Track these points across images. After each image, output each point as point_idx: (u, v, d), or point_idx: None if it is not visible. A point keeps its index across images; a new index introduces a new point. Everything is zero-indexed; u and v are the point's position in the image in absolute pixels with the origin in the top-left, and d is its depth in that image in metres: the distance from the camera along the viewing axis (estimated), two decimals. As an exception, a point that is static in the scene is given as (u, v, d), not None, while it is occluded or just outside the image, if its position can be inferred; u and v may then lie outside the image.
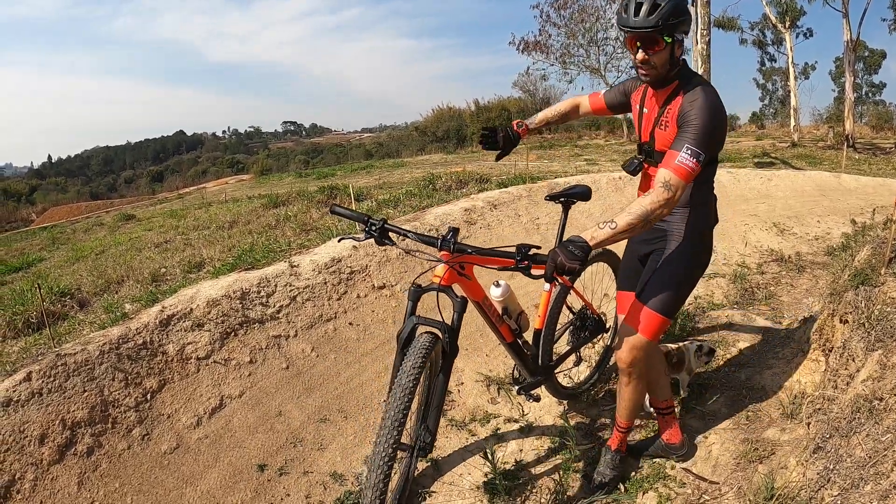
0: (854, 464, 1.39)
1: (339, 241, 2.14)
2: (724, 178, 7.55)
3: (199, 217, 8.61)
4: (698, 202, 2.04)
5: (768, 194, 7.19)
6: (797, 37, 19.40)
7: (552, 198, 2.62)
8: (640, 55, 1.87)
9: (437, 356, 1.95)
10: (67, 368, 2.47)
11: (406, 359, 1.80)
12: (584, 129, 28.63)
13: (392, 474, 1.75)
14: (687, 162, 1.76)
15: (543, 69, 24.59)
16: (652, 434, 2.48)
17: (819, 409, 1.94)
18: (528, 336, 2.48)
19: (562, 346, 2.77)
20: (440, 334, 1.90)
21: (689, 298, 3.81)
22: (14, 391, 2.30)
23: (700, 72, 10.76)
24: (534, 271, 1.79)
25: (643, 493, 2.15)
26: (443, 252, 1.93)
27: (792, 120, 17.38)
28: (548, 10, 23.01)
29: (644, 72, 1.91)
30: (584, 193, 2.60)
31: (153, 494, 2.22)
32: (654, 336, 2.06)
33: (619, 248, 2.40)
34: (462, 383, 3.09)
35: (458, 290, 2.02)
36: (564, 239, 1.78)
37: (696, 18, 10.83)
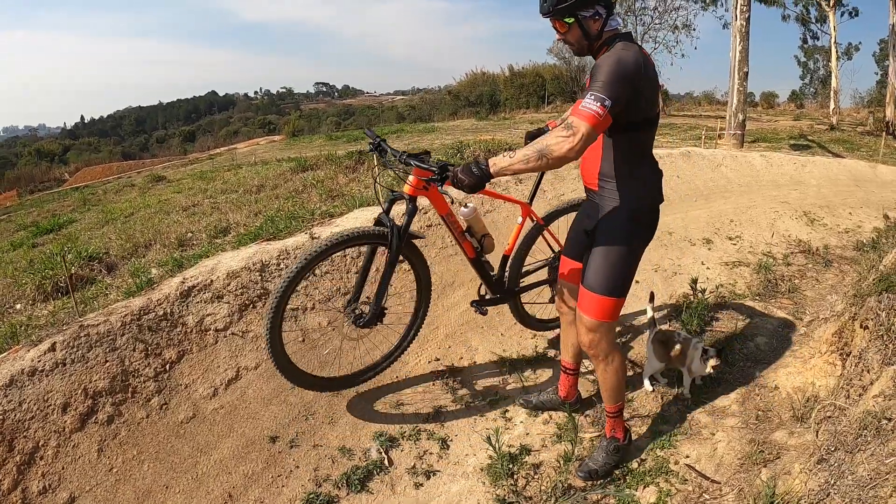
0: (855, 482, 1.37)
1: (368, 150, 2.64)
2: (757, 162, 7.32)
3: (228, 180, 8.72)
4: (627, 174, 2.03)
5: (801, 181, 6.95)
6: (841, 15, 18.51)
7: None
8: (556, 35, 2.03)
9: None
10: (90, 339, 2.56)
11: (351, 229, 2.41)
12: (620, 100, 27.88)
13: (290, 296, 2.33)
14: (590, 105, 1.75)
15: (579, 39, 23.82)
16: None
17: (829, 416, 1.91)
18: (496, 260, 2.87)
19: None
20: (388, 227, 2.39)
21: (710, 287, 3.78)
22: (39, 361, 2.40)
23: (738, 49, 10.32)
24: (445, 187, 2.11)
25: (644, 487, 2.16)
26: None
27: (832, 102, 16.69)
28: (585, -24, 22.18)
29: (569, 47, 2.04)
30: None
31: (168, 462, 2.32)
32: (606, 316, 2.09)
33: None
34: (475, 362, 3.12)
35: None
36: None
37: (737, -7, 10.33)
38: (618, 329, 3.38)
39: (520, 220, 2.91)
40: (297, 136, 23.98)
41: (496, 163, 1.85)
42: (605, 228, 2.09)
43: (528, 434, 2.58)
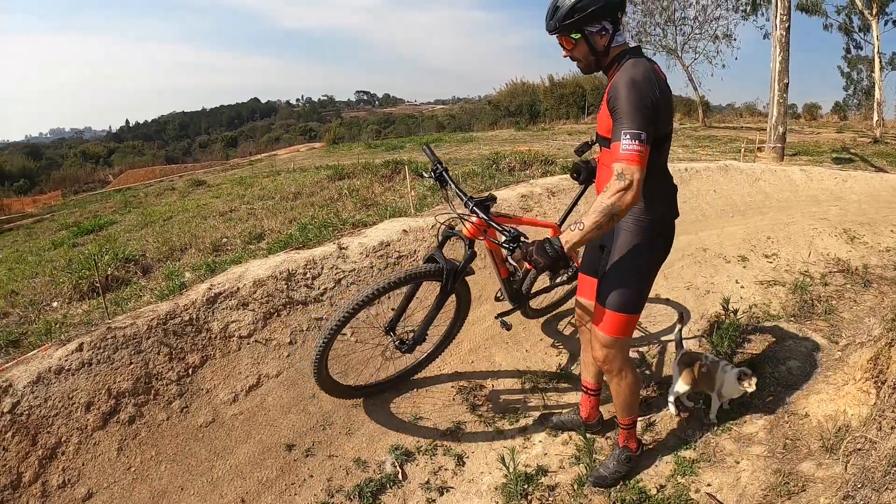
0: (882, 525, 1.28)
1: (420, 175, 2.70)
2: (797, 176, 7.07)
3: (266, 186, 8.90)
4: (647, 192, 1.95)
5: (841, 196, 6.68)
6: (885, 24, 17.75)
7: (574, 176, 2.78)
8: (563, 52, 2.01)
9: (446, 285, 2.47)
10: (117, 341, 2.63)
11: (404, 268, 2.46)
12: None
13: (341, 331, 2.35)
14: (630, 147, 1.75)
15: (619, 49, 23.62)
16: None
17: (859, 449, 1.81)
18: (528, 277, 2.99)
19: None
20: (444, 270, 2.41)
21: (744, 307, 3.65)
22: (66, 360, 2.48)
23: (778, 59, 10.03)
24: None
25: (663, 514, 2.08)
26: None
27: (875, 114, 16.00)
28: (624, -14, 22.03)
29: (576, 64, 2.04)
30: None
31: (185, 464, 2.36)
32: (620, 333, 2.10)
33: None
34: (497, 377, 3.08)
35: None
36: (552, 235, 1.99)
37: (776, 2, 10.04)
38: (646, 348, 3.30)
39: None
40: (337, 144, 24.39)
41: (569, 239, 1.82)
42: (620, 245, 2.07)
43: (546, 454, 2.53)
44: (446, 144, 16.21)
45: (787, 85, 10.20)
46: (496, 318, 2.82)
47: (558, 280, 3.23)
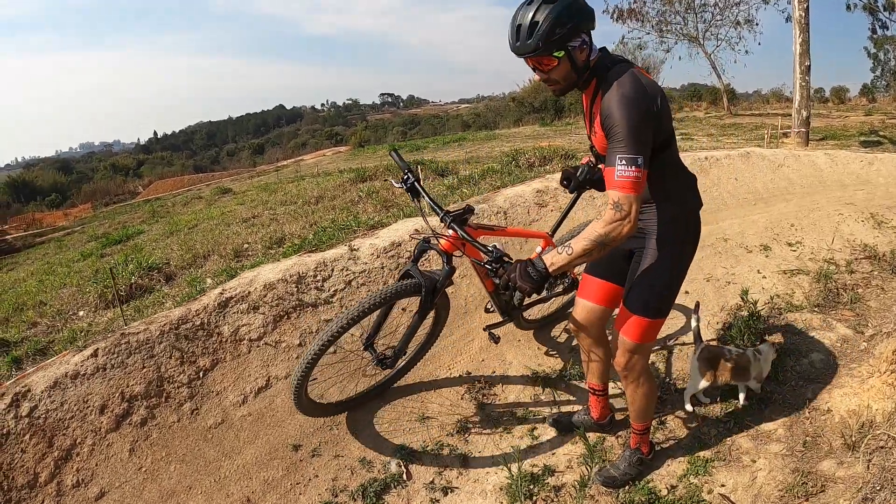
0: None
1: (388, 181, 2.57)
2: (821, 161, 6.82)
3: (289, 192, 9.02)
4: (663, 196, 1.94)
5: (868, 180, 6.41)
6: (910, 2, 16.99)
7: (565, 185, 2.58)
8: (537, 76, 1.83)
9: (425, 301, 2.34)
10: (130, 346, 2.68)
11: (380, 289, 2.41)
12: (686, 99, 27.03)
13: (320, 359, 2.25)
14: (625, 174, 1.67)
15: (639, 38, 23.34)
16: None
17: (882, 447, 1.71)
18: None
19: None
20: (422, 287, 2.27)
21: (765, 297, 3.53)
22: (82, 365, 2.54)
23: (798, 41, 9.73)
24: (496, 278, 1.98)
25: (673, 515, 2.02)
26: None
27: (903, 94, 15.37)
28: (642, -25, 21.75)
29: (550, 87, 1.86)
30: (601, 181, 2.57)
31: (194, 464, 2.39)
32: (647, 338, 2.05)
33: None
34: (507, 377, 3.04)
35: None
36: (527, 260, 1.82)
37: (794, -19, 9.75)
38: (657, 347, 3.22)
39: (539, 249, 2.85)
40: (362, 147, 24.62)
41: (554, 262, 1.75)
42: (653, 248, 1.99)
43: (553, 454, 2.49)
44: (469, 143, 16.22)
45: (808, 67, 9.89)
46: (485, 329, 2.68)
47: (554, 291, 3.08)
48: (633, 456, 2.27)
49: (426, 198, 2.33)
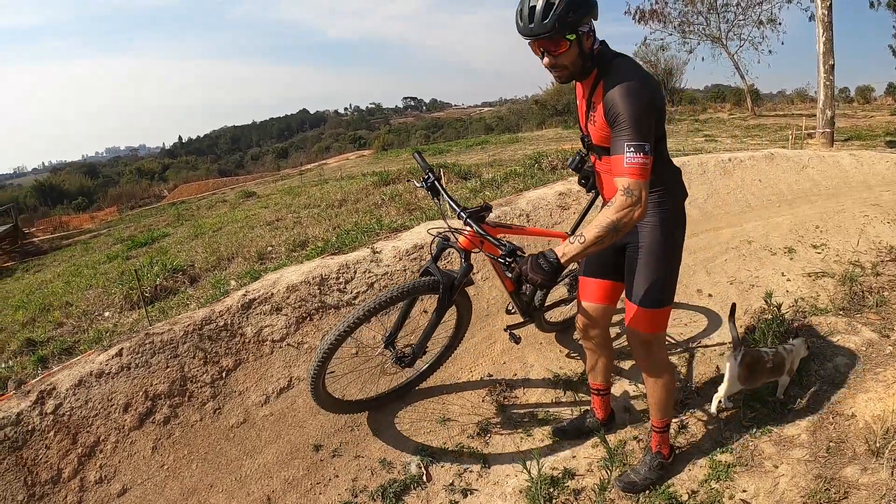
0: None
1: (410, 182, 2.60)
2: (846, 162, 6.69)
3: (313, 195, 9.08)
4: (655, 184, 1.94)
5: (894, 181, 6.26)
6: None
7: (583, 184, 2.59)
8: (546, 60, 1.82)
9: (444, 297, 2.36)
10: (154, 346, 2.74)
11: (398, 284, 2.35)
12: (710, 101, 26.73)
13: (337, 350, 2.29)
14: (634, 160, 1.71)
15: (662, 39, 23.16)
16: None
17: (906, 451, 1.68)
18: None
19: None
20: (440, 284, 2.31)
21: (789, 301, 3.48)
22: (107, 364, 2.60)
23: (822, 40, 9.56)
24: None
25: (694, 520, 2.00)
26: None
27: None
28: (664, -25, 21.60)
29: (556, 74, 1.87)
30: (589, 175, 2.58)
31: (215, 463, 2.44)
32: (659, 328, 2.09)
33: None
34: (528, 378, 3.04)
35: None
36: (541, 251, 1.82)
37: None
38: (679, 350, 3.19)
39: None
40: (385, 151, 24.73)
41: (566, 252, 1.74)
42: (644, 242, 2.04)
43: (574, 457, 2.48)
44: (492, 146, 16.21)
45: (832, 67, 9.71)
46: (505, 329, 2.68)
47: (574, 295, 3.08)
48: (653, 460, 2.26)
49: (445, 196, 2.36)
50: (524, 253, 1.90)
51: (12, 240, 15.04)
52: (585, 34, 1.78)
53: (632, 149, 1.70)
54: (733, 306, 2.65)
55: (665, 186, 2.01)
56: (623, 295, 2.19)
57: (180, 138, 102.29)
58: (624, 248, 2.12)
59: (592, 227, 1.72)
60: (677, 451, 2.38)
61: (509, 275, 1.90)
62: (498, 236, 2.15)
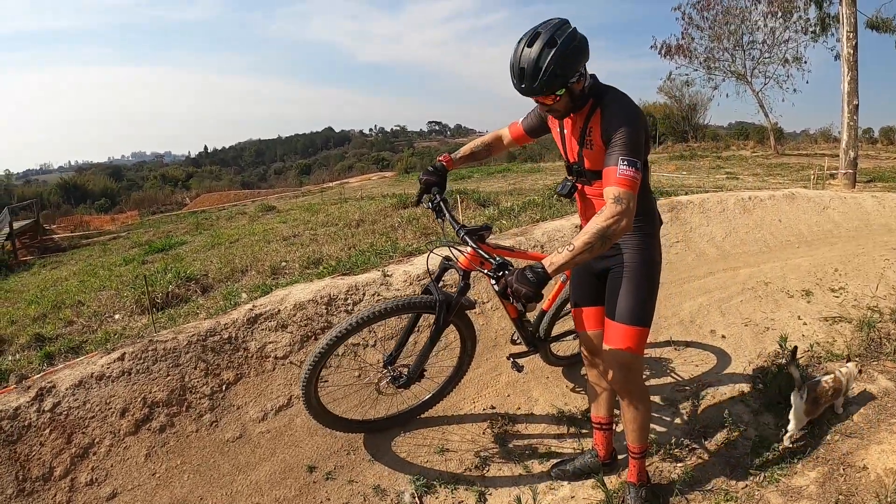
0: None
1: (417, 202, 2.55)
2: (868, 204, 6.58)
3: (331, 213, 9.17)
4: (639, 211, 1.95)
5: (917, 225, 6.14)
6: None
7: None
8: (541, 107, 1.98)
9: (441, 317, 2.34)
10: (157, 353, 2.75)
11: (395, 298, 2.44)
12: (732, 138, 26.66)
13: (328, 357, 2.32)
14: (627, 171, 1.78)
15: (687, 74, 23.25)
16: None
17: (919, 513, 1.59)
18: (534, 314, 2.84)
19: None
20: (437, 302, 2.30)
21: (804, 346, 3.39)
22: (108, 368, 2.62)
23: (847, 80, 9.49)
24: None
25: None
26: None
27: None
28: (690, 11, 21.75)
29: (552, 115, 2.02)
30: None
31: (207, 476, 2.41)
32: (639, 348, 2.10)
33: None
34: (532, 413, 2.97)
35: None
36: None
37: (843, 19, 9.54)
38: (688, 389, 3.11)
39: (563, 277, 2.85)
40: (408, 173, 24.90)
41: (554, 261, 1.74)
42: (630, 261, 2.10)
43: (573, 497, 2.41)
44: (513, 174, 16.30)
45: (857, 107, 9.63)
46: (508, 357, 2.66)
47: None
48: (639, 492, 2.24)
49: (447, 215, 2.36)
50: (514, 267, 1.90)
51: (32, 235, 15.36)
52: (576, 82, 1.87)
53: (625, 162, 1.79)
54: (795, 349, 2.68)
55: (646, 212, 2.08)
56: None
57: (206, 148, 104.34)
58: (607, 272, 2.16)
59: (581, 235, 1.75)
60: (683, 495, 2.30)
61: (496, 287, 1.87)
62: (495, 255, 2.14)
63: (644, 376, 3.21)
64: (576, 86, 1.87)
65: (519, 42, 1.83)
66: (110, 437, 2.45)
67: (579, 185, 2.13)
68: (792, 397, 2.54)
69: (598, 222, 1.74)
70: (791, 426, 2.53)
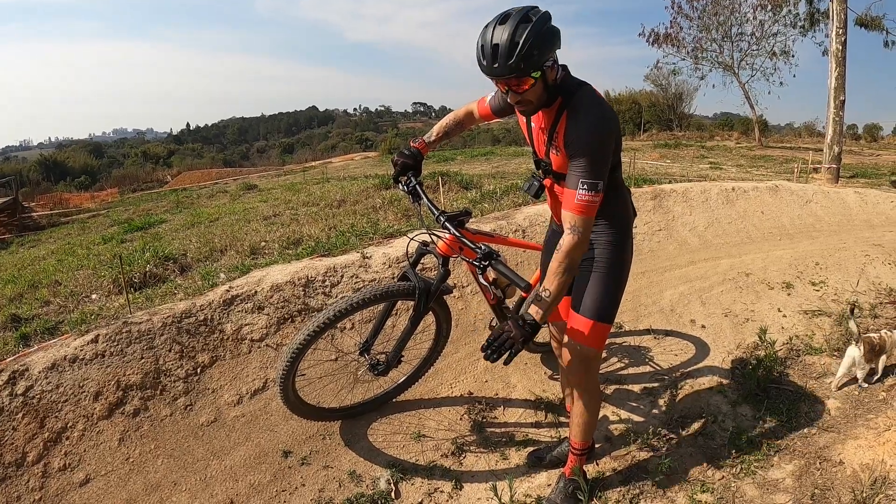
0: None
1: (394, 182, 2.44)
2: (851, 199, 6.65)
3: (313, 193, 9.02)
4: (607, 212, 2.01)
5: (897, 221, 6.23)
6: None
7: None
8: (511, 97, 1.81)
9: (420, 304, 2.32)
10: (131, 335, 2.68)
11: (372, 286, 2.48)
12: (717, 128, 26.82)
13: (306, 351, 2.23)
14: (584, 197, 1.77)
15: (674, 63, 23.27)
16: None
17: (893, 507, 1.61)
18: (513, 300, 2.81)
19: None
20: (416, 289, 2.27)
21: (783, 338, 3.42)
22: (81, 350, 2.55)
23: (834, 75, 9.53)
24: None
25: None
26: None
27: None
28: (679, 0, 21.67)
29: (522, 108, 1.88)
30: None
31: (181, 460, 2.37)
32: (600, 344, 2.10)
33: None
34: (509, 399, 2.96)
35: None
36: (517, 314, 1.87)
37: (833, 15, 9.56)
38: (665, 379, 3.12)
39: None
40: (391, 154, 24.68)
41: (540, 310, 1.80)
42: (599, 257, 2.08)
43: (549, 485, 2.39)
44: (498, 157, 16.20)
45: (843, 102, 9.68)
46: (482, 349, 2.66)
47: None
48: (567, 486, 2.23)
49: (426, 200, 2.30)
50: (499, 255, 1.93)
51: (11, 213, 14.97)
52: (550, 68, 1.77)
53: (585, 186, 1.76)
54: (853, 306, 3.07)
55: (619, 211, 2.07)
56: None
57: (188, 125, 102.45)
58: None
59: (551, 277, 1.79)
60: (660, 488, 2.30)
61: (482, 280, 1.89)
62: (477, 242, 2.13)
63: (623, 364, 3.22)
64: (550, 73, 1.78)
65: (487, 25, 1.72)
66: (83, 421, 2.40)
67: (547, 183, 2.09)
68: (849, 350, 2.83)
69: (560, 260, 1.79)
70: (840, 370, 2.84)
